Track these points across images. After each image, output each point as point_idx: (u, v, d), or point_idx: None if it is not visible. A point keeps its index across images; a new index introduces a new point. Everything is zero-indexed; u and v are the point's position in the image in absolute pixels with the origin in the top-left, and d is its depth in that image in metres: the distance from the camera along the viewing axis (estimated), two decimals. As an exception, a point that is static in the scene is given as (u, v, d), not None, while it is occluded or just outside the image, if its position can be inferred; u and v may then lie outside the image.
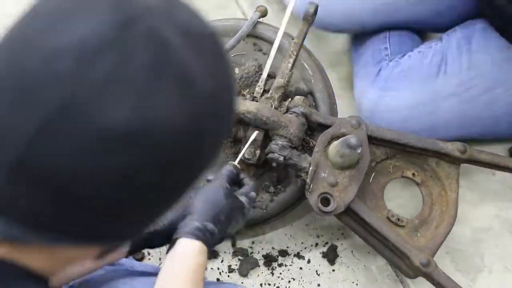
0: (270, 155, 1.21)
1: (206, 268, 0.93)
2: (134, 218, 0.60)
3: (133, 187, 0.55)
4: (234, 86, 0.62)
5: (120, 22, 0.52)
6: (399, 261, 1.23)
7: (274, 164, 1.23)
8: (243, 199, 1.04)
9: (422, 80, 1.44)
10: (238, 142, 1.29)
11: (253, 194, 1.07)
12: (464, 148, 1.27)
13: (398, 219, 1.25)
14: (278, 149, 1.20)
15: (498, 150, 1.42)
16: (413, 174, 1.29)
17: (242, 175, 1.09)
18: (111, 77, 0.51)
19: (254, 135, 1.21)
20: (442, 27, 1.53)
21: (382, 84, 1.47)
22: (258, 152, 1.24)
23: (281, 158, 1.20)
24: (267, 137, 1.24)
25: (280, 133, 1.21)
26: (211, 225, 0.95)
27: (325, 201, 1.18)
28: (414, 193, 1.36)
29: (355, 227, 1.25)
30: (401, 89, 1.45)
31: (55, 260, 0.62)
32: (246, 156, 1.23)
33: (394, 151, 1.29)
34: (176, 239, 0.93)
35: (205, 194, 1.00)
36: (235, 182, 1.07)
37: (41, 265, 0.61)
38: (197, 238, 0.92)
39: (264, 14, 1.35)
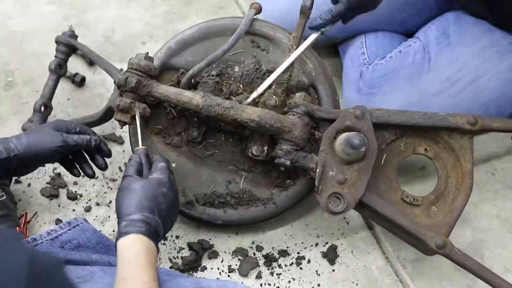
0: (277, 160, 1.22)
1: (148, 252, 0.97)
2: None
3: None
4: None
5: None
6: (417, 242, 1.23)
7: (282, 168, 1.23)
8: (156, 175, 1.08)
9: (408, 81, 1.44)
10: (244, 140, 1.30)
11: (162, 164, 1.11)
12: (475, 119, 1.24)
13: (413, 199, 1.25)
14: (283, 154, 1.21)
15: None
16: (425, 150, 1.27)
17: (151, 155, 1.15)
18: None
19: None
20: (411, 27, 1.56)
21: (366, 90, 1.47)
22: (265, 148, 1.24)
23: (288, 163, 1.21)
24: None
25: (285, 137, 1.21)
26: (137, 215, 1.00)
27: (336, 200, 1.19)
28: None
29: (372, 216, 1.26)
30: (389, 93, 1.45)
31: None
32: (254, 152, 1.25)
33: (403, 130, 1.27)
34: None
35: (121, 193, 1.04)
36: (140, 170, 1.11)
37: None
38: (129, 232, 0.98)
39: (259, 11, 1.35)
